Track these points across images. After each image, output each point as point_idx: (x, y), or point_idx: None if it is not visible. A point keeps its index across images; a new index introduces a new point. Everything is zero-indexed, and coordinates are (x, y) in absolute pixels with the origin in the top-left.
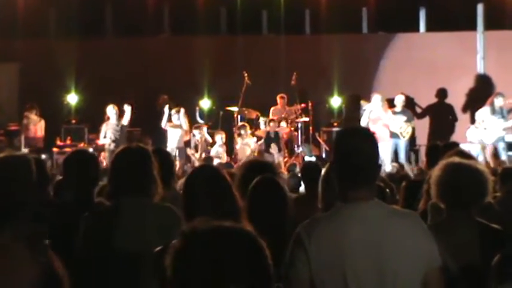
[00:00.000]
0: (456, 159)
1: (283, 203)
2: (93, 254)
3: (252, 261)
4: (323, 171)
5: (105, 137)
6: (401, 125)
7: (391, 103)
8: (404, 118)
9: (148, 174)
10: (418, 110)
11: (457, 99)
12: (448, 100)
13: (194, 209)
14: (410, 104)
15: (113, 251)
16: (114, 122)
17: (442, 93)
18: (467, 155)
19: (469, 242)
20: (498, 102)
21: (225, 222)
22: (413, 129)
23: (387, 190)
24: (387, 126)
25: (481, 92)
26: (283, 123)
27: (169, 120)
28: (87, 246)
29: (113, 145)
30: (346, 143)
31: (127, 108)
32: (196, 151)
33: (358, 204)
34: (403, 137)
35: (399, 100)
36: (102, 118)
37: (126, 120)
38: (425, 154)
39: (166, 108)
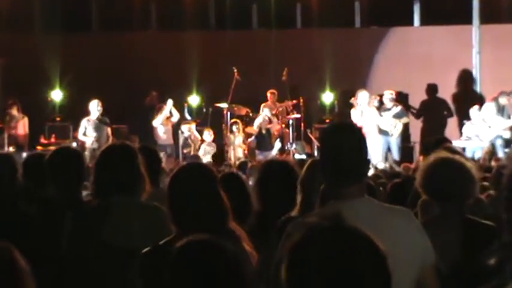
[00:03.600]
0: (443, 153)
1: (244, 198)
2: (79, 253)
3: (373, 267)
4: (301, 173)
5: (84, 134)
6: (392, 122)
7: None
8: (395, 114)
9: (135, 172)
10: (413, 110)
11: (451, 94)
12: (443, 96)
13: (179, 209)
14: (404, 101)
15: (99, 251)
16: (95, 118)
17: (432, 88)
18: (455, 151)
19: (456, 238)
20: (502, 101)
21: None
22: (406, 125)
23: (381, 188)
24: (374, 121)
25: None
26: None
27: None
28: (73, 246)
29: (95, 144)
30: (332, 139)
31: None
32: (185, 149)
33: (348, 201)
34: (392, 134)
35: (387, 96)
36: (87, 116)
37: (176, 118)
38: (421, 151)
39: (168, 105)
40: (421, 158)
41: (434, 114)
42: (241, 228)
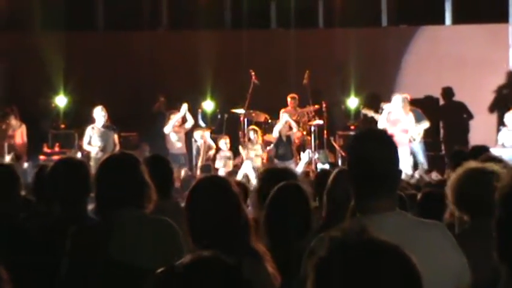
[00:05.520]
0: (472, 164)
1: (305, 213)
2: (80, 274)
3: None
4: (329, 180)
5: (89, 143)
6: (416, 129)
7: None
8: (416, 120)
9: (137, 182)
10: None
11: (486, 98)
12: (477, 99)
13: (197, 224)
14: (435, 106)
15: (103, 271)
16: (100, 126)
17: (447, 92)
18: (497, 161)
19: (486, 254)
20: None
21: (375, 236)
22: (436, 131)
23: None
24: (406, 131)
25: None
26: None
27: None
28: (73, 266)
29: (100, 154)
30: (362, 148)
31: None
32: (198, 158)
33: (378, 215)
34: (414, 139)
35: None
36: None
37: (190, 124)
38: (450, 160)
39: (182, 110)
40: (449, 170)
41: (454, 119)
42: (301, 244)
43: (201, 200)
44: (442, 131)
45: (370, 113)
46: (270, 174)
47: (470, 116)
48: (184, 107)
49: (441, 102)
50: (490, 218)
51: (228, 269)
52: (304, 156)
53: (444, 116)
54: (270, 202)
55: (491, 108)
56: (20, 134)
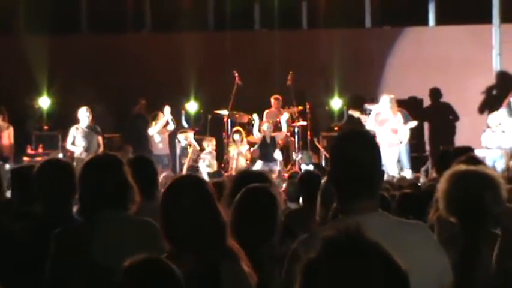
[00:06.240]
0: (462, 167)
1: (271, 215)
2: (63, 275)
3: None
4: (322, 181)
5: (73, 143)
6: (405, 128)
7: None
8: (404, 120)
9: (120, 183)
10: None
11: (470, 99)
12: (462, 100)
13: (172, 224)
14: (418, 107)
15: (85, 272)
16: (84, 126)
17: (435, 93)
18: (477, 161)
19: (484, 255)
20: None
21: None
22: (420, 132)
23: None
24: (395, 131)
25: (498, 92)
26: (283, 121)
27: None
28: (56, 267)
29: (84, 154)
30: (345, 149)
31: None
32: (183, 159)
33: (360, 216)
34: (401, 142)
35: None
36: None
37: (172, 126)
38: (436, 161)
39: (166, 112)
40: (433, 170)
41: (440, 120)
42: (262, 249)
43: (174, 198)
44: (427, 132)
45: (357, 114)
46: (242, 177)
47: (456, 117)
48: (167, 110)
49: (426, 103)
50: (480, 221)
51: (163, 271)
52: (277, 155)
53: (430, 117)
54: (236, 205)
55: (481, 110)
56: (7, 135)
